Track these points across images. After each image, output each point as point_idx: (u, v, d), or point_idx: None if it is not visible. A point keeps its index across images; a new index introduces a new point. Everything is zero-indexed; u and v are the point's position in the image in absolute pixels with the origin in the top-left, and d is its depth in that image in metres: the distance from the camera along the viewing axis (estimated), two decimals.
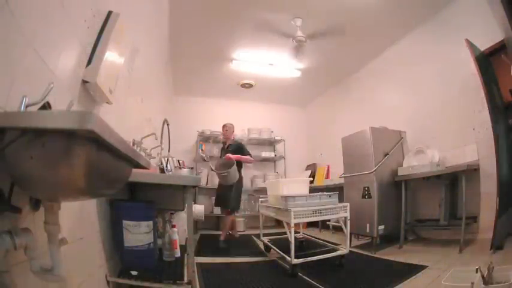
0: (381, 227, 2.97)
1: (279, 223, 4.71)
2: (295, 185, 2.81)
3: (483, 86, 2.43)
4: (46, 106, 0.76)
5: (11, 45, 0.70)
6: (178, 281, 1.46)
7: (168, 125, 2.59)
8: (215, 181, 5.34)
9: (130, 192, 1.83)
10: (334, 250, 2.60)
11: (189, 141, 5.63)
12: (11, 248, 0.63)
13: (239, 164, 3.62)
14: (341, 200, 2.79)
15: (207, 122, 5.62)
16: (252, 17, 3.43)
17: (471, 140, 2.80)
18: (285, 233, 2.48)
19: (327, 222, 4.32)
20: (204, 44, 4.03)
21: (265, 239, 3.20)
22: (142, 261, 1.52)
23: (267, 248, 3.13)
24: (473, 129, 2.78)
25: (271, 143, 5.99)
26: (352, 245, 3.13)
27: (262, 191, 4.54)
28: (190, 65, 4.65)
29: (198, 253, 2.90)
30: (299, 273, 2.27)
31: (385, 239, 3.10)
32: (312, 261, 2.38)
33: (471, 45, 2.57)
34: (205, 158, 4.35)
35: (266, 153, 5.72)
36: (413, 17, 3.38)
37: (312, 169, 5.64)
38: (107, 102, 1.34)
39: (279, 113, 6.29)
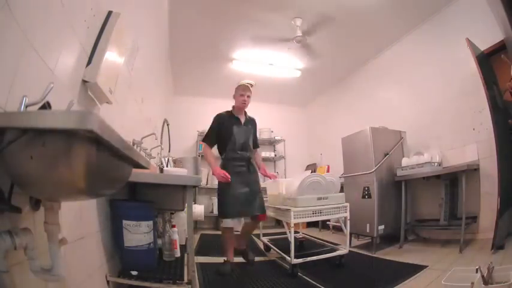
0: (381, 227, 2.97)
1: (279, 223, 4.71)
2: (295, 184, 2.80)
3: (484, 86, 2.43)
4: (46, 106, 0.76)
5: (11, 45, 0.70)
6: (178, 281, 1.46)
7: (168, 125, 2.59)
8: (215, 181, 5.33)
9: (130, 192, 1.83)
10: (334, 250, 2.60)
11: (189, 141, 5.62)
12: (11, 248, 0.63)
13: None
14: None
15: (207, 122, 5.57)
16: (252, 17, 3.43)
17: (471, 140, 2.80)
18: (284, 233, 2.48)
19: (327, 222, 4.32)
20: (204, 44, 4.03)
21: (265, 239, 3.20)
22: (142, 261, 1.52)
23: (267, 248, 3.13)
24: (473, 129, 2.78)
25: (271, 143, 5.99)
26: (352, 245, 3.13)
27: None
28: (190, 65, 4.65)
29: (198, 253, 2.90)
30: (299, 273, 2.27)
31: (385, 239, 3.10)
32: (312, 261, 2.38)
33: (472, 45, 2.57)
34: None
35: (266, 153, 5.72)
36: (414, 16, 3.38)
37: (312, 169, 5.63)
38: (107, 102, 1.34)
39: (279, 113, 6.29)
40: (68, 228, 1.00)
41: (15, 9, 0.69)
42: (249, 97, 2.59)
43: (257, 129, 2.82)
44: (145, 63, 2.39)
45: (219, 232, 3.63)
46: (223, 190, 2.49)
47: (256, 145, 2.81)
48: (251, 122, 2.72)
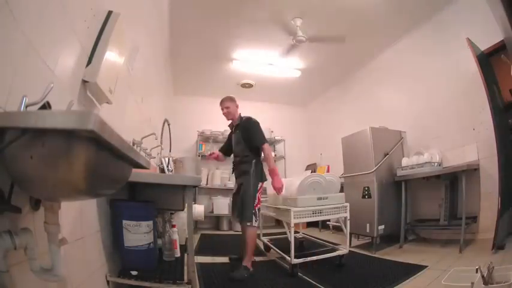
0: (381, 227, 2.97)
1: (279, 223, 4.71)
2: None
3: (485, 86, 2.43)
4: (46, 106, 0.76)
5: (11, 45, 0.70)
6: (178, 281, 1.46)
7: (169, 125, 2.59)
8: (215, 181, 5.35)
9: (130, 192, 1.83)
10: (334, 250, 2.60)
11: (189, 141, 5.62)
12: (11, 248, 0.63)
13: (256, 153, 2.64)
14: None
15: (207, 122, 5.62)
16: (252, 17, 3.43)
17: (471, 140, 2.80)
18: (284, 233, 2.48)
19: (327, 222, 4.32)
20: (204, 44, 4.03)
21: (265, 239, 3.20)
22: (142, 261, 1.52)
23: (267, 248, 3.13)
24: (473, 129, 2.78)
25: (271, 143, 5.98)
26: (352, 245, 3.13)
27: None
28: (190, 64, 4.65)
29: (198, 253, 2.90)
30: (299, 273, 2.27)
31: (385, 239, 3.10)
32: (312, 261, 2.38)
33: (472, 45, 2.57)
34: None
35: None
36: (414, 17, 3.38)
37: (312, 169, 5.63)
38: (107, 102, 1.34)
39: (279, 112, 6.29)
40: (68, 228, 1.00)
41: (15, 9, 0.69)
42: (227, 108, 2.70)
43: (249, 128, 2.62)
44: (145, 63, 2.39)
45: (219, 232, 3.63)
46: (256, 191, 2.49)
47: (255, 143, 2.59)
48: (239, 127, 2.67)
